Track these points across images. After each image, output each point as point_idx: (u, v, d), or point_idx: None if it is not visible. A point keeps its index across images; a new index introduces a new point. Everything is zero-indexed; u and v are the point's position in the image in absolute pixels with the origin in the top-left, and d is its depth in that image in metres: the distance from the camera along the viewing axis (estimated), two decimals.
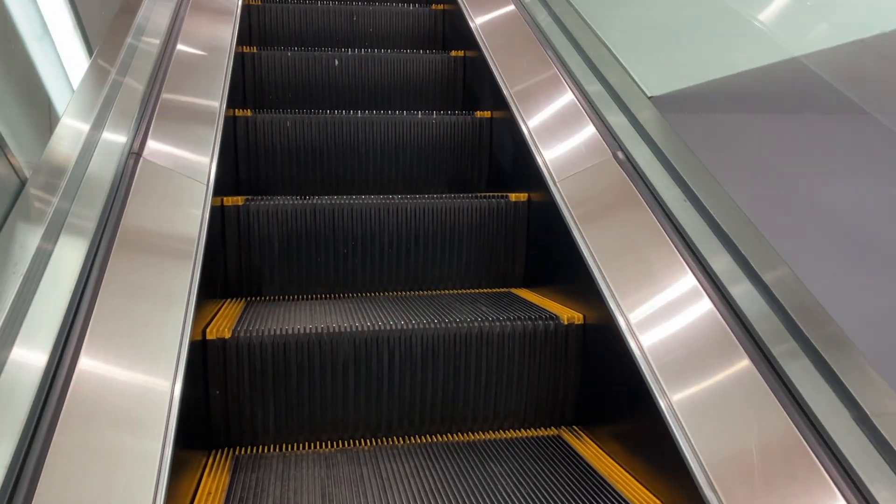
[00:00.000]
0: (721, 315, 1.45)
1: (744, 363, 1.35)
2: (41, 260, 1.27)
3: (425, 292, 2.27)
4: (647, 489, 1.48)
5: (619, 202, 1.89)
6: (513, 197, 2.30)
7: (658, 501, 1.42)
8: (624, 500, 1.44)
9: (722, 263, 1.54)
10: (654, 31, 2.53)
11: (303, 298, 2.19)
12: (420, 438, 1.81)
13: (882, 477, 1.12)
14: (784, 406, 1.25)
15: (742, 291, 1.48)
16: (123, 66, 1.99)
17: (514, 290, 2.28)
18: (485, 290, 2.29)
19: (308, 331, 1.73)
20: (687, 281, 1.57)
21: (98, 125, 1.70)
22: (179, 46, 2.39)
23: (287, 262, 2.19)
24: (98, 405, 1.18)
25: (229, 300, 2.12)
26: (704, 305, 1.49)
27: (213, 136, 2.14)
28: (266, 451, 1.73)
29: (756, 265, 1.48)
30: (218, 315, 1.89)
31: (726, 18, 2.36)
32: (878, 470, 1.13)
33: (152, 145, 1.84)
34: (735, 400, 1.34)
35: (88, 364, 1.19)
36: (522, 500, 1.44)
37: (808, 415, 1.23)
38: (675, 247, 1.63)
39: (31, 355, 1.13)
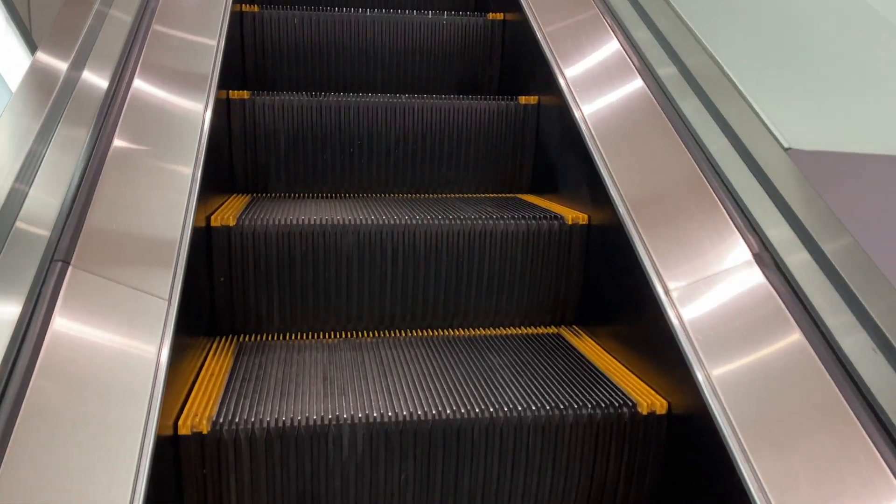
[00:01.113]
0: (730, 217, 1.43)
1: (747, 259, 1.35)
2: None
3: (431, 195, 2.26)
4: (644, 381, 1.51)
5: (637, 112, 1.84)
6: (522, 100, 2.26)
7: (654, 392, 1.45)
8: (619, 390, 1.46)
9: (737, 174, 1.50)
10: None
11: (308, 196, 2.19)
12: (421, 332, 1.83)
13: None
14: (786, 302, 1.25)
15: (751, 197, 1.45)
16: None
17: (520, 196, 2.27)
18: (491, 195, 2.28)
19: (313, 222, 1.74)
20: (698, 180, 1.54)
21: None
22: None
23: (293, 158, 2.17)
24: (101, 282, 1.19)
25: (235, 195, 2.12)
26: (715, 207, 1.47)
27: (218, 30, 2.10)
28: (270, 338, 1.76)
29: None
30: (223, 206, 1.89)
31: None
32: None
33: (157, 27, 1.81)
34: (736, 294, 1.34)
35: (92, 232, 1.20)
36: (519, 387, 1.47)
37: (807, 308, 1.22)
38: (692, 155, 1.59)
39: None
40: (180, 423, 1.26)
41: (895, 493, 0.96)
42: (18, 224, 1.12)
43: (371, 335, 1.81)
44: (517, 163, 2.30)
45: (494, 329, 1.86)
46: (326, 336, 1.80)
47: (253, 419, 1.30)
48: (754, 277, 1.30)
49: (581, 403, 1.40)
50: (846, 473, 1.02)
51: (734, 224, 1.40)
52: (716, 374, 1.26)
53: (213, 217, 1.70)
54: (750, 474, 1.11)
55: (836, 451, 1.05)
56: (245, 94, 2.11)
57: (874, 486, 0.98)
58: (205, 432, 1.27)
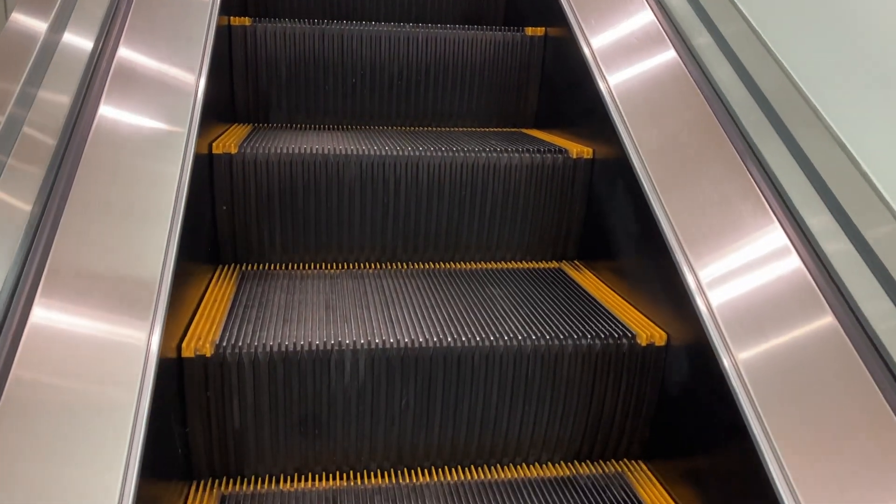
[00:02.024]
0: (736, 149, 1.42)
1: (746, 185, 1.34)
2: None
3: (434, 128, 2.23)
4: (644, 314, 1.52)
5: (647, 48, 1.80)
6: (529, 31, 2.22)
7: (654, 324, 1.46)
8: (618, 322, 1.48)
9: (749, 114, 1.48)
10: None
11: (310, 128, 2.16)
12: (423, 265, 1.84)
13: None
14: (790, 237, 1.25)
15: (757, 133, 1.43)
16: None
17: (524, 130, 2.25)
18: (495, 129, 2.26)
19: (315, 151, 1.72)
20: (708, 120, 1.52)
21: None
22: None
23: (294, 88, 2.14)
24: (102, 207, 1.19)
25: (236, 124, 2.10)
26: (724, 144, 1.45)
27: None
28: (272, 268, 1.77)
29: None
30: (225, 134, 1.87)
31: None
32: None
33: None
34: (741, 229, 1.34)
35: (91, 158, 1.19)
36: (519, 317, 1.48)
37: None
38: (704, 96, 1.56)
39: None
40: (184, 345, 1.28)
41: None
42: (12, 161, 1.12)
43: (373, 266, 1.81)
44: (522, 96, 2.27)
45: (496, 263, 1.87)
46: (328, 266, 1.80)
47: (256, 343, 1.31)
48: (759, 212, 1.30)
49: (580, 334, 1.41)
50: (846, 404, 1.03)
51: (744, 165, 1.38)
52: (717, 306, 1.27)
53: (214, 144, 1.69)
54: (748, 404, 1.13)
55: (835, 378, 1.06)
56: (246, 21, 2.07)
57: (873, 416, 1.00)
58: (208, 355, 1.29)
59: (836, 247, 1.18)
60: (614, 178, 1.71)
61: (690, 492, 1.30)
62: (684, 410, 1.35)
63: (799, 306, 1.16)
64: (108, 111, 1.34)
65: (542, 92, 2.25)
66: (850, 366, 1.05)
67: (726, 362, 1.20)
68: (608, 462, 1.48)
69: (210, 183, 1.68)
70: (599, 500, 1.35)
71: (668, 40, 1.72)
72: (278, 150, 1.70)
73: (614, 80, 1.78)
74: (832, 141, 1.23)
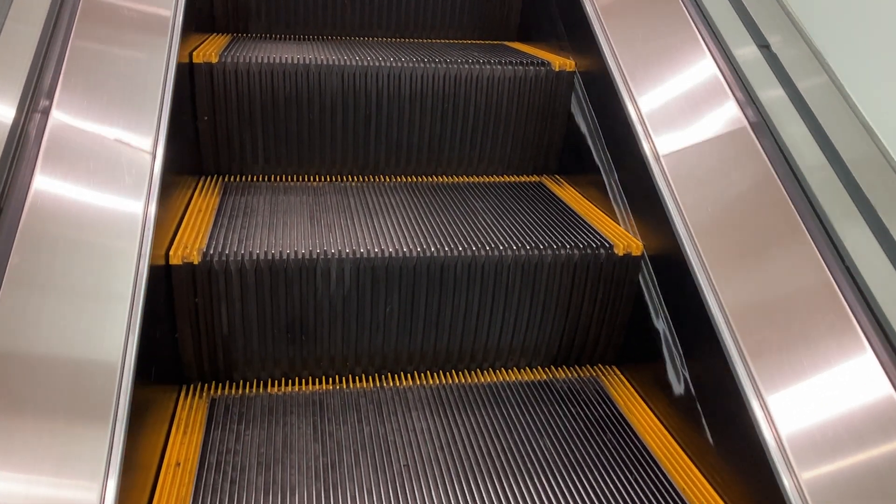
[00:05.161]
0: (721, 72, 1.42)
1: (729, 105, 1.36)
2: None
3: (416, 40, 2.20)
4: (623, 227, 1.55)
5: None
6: None
7: (632, 236, 1.50)
8: (597, 233, 1.51)
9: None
10: None
11: (290, 38, 2.13)
12: (406, 178, 1.85)
13: None
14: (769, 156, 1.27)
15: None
16: None
17: (507, 43, 2.23)
18: (477, 41, 2.23)
19: (296, 61, 1.70)
20: (689, 35, 1.52)
21: None
22: None
23: None
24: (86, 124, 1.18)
25: (215, 34, 2.06)
26: (705, 59, 1.46)
27: None
28: (255, 179, 1.78)
29: None
30: (205, 43, 1.84)
31: None
32: None
33: None
34: (715, 144, 1.36)
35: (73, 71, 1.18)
36: (501, 229, 1.51)
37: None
38: (690, 16, 1.55)
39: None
40: (171, 253, 1.30)
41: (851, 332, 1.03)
42: None
43: (356, 179, 1.82)
44: (505, 8, 2.23)
45: (478, 177, 1.89)
46: (312, 179, 1.81)
47: (242, 251, 1.33)
48: (737, 126, 1.32)
49: (559, 245, 1.45)
50: (799, 299, 1.08)
51: (725, 80, 1.39)
52: (690, 217, 1.31)
53: (195, 54, 1.66)
54: (716, 305, 1.18)
55: (795, 285, 1.11)
56: None
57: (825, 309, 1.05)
58: (195, 263, 1.31)
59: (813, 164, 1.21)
60: (595, 90, 1.72)
61: (659, 394, 1.37)
62: (657, 318, 1.40)
63: (773, 221, 1.19)
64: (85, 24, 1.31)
65: (526, 4, 2.22)
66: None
67: (699, 273, 1.24)
68: (584, 367, 1.55)
69: (191, 92, 1.67)
70: (575, 402, 1.41)
71: None
72: (259, 60, 1.69)
73: None
74: None
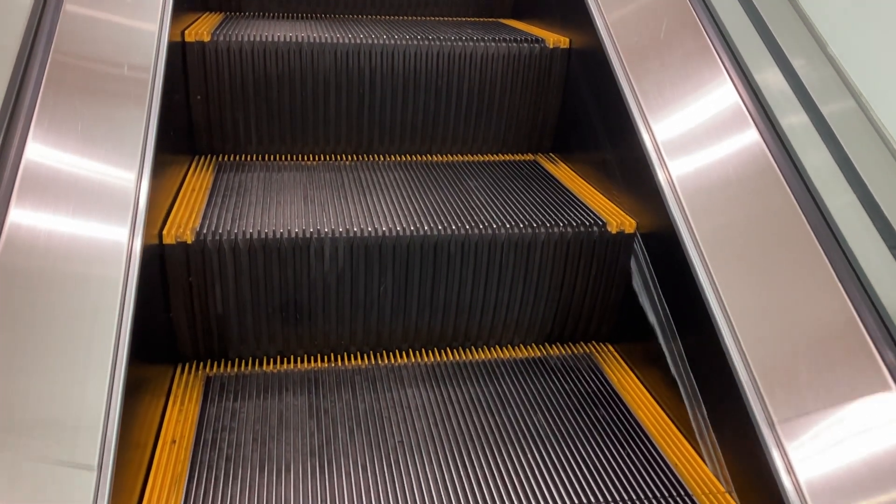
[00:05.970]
0: (718, 54, 1.41)
1: (726, 88, 1.35)
2: None
3: (410, 17, 2.19)
4: (616, 204, 1.56)
5: None
6: None
7: (625, 214, 1.50)
8: (591, 211, 1.51)
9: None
10: None
11: (283, 16, 2.12)
12: (400, 157, 1.85)
13: None
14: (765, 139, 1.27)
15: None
16: None
17: (501, 20, 2.22)
18: (472, 19, 2.22)
19: (289, 39, 1.70)
20: (683, 7, 1.51)
21: None
22: None
23: None
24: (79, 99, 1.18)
25: (208, 12, 2.05)
26: (699, 34, 1.45)
27: None
28: (248, 158, 1.77)
29: None
30: (197, 22, 1.83)
31: None
32: None
33: None
34: (706, 113, 1.36)
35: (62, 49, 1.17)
36: (494, 207, 1.51)
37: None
38: None
39: None
40: (165, 232, 1.30)
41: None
42: None
43: (350, 158, 1.82)
44: None
45: (472, 155, 1.89)
46: (305, 158, 1.81)
47: (236, 231, 1.33)
48: (729, 101, 1.32)
49: (553, 223, 1.45)
50: (795, 282, 1.09)
51: (722, 64, 1.38)
52: (683, 195, 1.31)
53: (187, 32, 1.65)
54: (708, 283, 1.19)
55: (791, 265, 1.12)
56: None
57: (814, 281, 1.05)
58: (189, 242, 1.31)
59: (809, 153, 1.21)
60: (590, 69, 1.71)
61: (652, 370, 1.38)
62: (650, 295, 1.41)
63: (764, 198, 1.19)
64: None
65: None
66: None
67: (692, 251, 1.25)
68: (577, 344, 1.56)
69: (184, 72, 1.66)
70: (568, 378, 1.43)
71: None
72: (251, 38, 1.68)
73: None
74: None
